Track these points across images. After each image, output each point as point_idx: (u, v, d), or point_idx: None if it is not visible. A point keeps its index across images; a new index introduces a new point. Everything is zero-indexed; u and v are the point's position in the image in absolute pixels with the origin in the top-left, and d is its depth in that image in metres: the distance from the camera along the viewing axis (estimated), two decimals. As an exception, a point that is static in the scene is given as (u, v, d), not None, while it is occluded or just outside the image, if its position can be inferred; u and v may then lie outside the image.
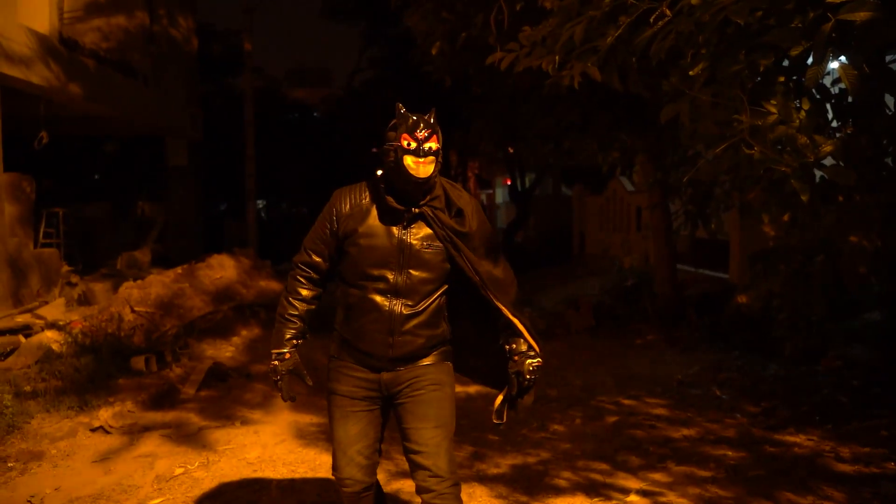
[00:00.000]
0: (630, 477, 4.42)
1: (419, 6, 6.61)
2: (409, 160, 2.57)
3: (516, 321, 2.75)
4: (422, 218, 2.68)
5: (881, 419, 5.30)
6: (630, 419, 5.72)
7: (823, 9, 2.75)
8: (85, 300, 10.44)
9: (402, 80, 20.15)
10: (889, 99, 3.63)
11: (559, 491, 4.21)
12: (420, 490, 2.69)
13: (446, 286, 2.78)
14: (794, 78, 3.28)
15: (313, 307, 2.87)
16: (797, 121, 2.98)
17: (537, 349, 2.76)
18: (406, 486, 4.17)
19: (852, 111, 3.64)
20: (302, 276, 2.84)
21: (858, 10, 2.63)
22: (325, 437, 5.12)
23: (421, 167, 2.58)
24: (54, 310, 8.62)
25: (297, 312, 2.82)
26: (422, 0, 6.71)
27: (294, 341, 2.82)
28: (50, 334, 7.38)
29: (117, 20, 14.42)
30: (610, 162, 11.00)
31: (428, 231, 2.69)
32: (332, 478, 2.86)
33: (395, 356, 2.72)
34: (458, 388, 2.89)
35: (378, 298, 2.68)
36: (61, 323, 7.80)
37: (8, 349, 7.13)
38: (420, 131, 2.58)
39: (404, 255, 2.67)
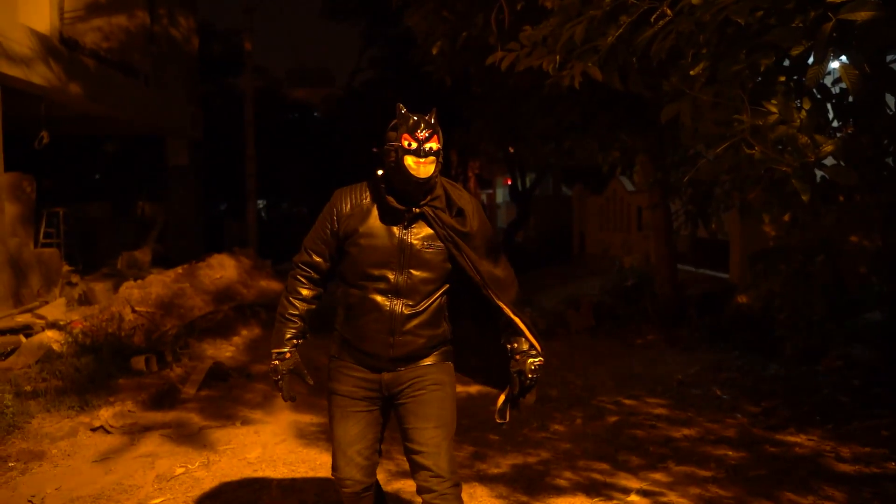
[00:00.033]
0: (631, 477, 4.42)
1: (419, 6, 6.61)
2: (409, 160, 2.58)
3: (517, 320, 2.75)
4: (422, 218, 2.68)
5: (882, 419, 5.30)
6: (630, 419, 5.72)
7: (824, 8, 2.74)
8: (85, 300, 10.44)
9: (402, 79, 20.18)
10: (890, 99, 3.63)
11: (560, 491, 4.21)
12: (421, 490, 2.68)
13: (447, 286, 2.78)
14: (795, 78, 3.28)
15: (314, 307, 2.86)
16: (798, 120, 2.97)
17: (538, 348, 2.76)
18: (406, 486, 4.17)
19: (853, 111, 3.64)
20: (302, 276, 2.83)
21: (859, 10, 2.63)
22: (326, 436, 5.12)
23: (421, 167, 2.58)
24: (55, 309, 8.62)
25: (297, 312, 2.82)
26: (422, 0, 6.71)
27: (294, 341, 2.81)
28: (50, 334, 7.38)
29: (118, 20, 14.43)
30: (610, 162, 11.00)
31: (429, 231, 2.69)
32: (333, 478, 2.86)
33: (396, 356, 2.72)
34: (459, 388, 2.89)
35: (379, 298, 2.68)
36: (62, 323, 7.80)
37: (8, 349, 7.13)
38: (421, 131, 2.58)
39: (405, 255, 2.67)
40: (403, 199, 2.65)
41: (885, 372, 6.19)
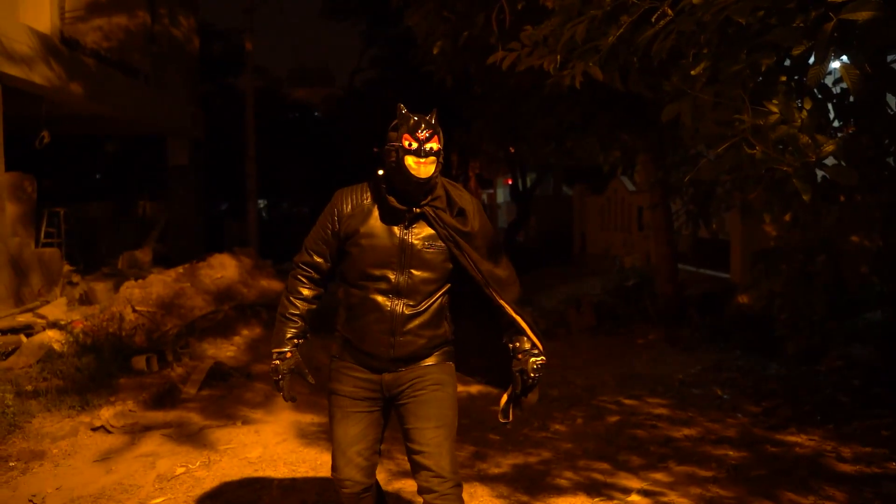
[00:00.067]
0: (631, 477, 4.42)
1: (420, 6, 6.61)
2: (410, 160, 2.58)
3: (519, 319, 2.75)
4: (423, 218, 2.69)
5: (882, 419, 5.30)
6: (631, 419, 5.72)
7: (825, 8, 2.74)
8: (86, 300, 10.44)
9: (402, 79, 20.16)
10: (891, 98, 3.63)
11: (560, 490, 4.21)
12: (422, 490, 2.68)
13: (448, 286, 2.78)
14: (796, 77, 3.28)
15: (314, 307, 2.86)
16: (799, 120, 2.97)
17: (540, 347, 2.76)
18: (407, 486, 4.17)
19: (854, 111, 3.64)
20: (303, 276, 2.83)
21: (860, 10, 2.63)
22: (327, 436, 5.12)
23: (422, 167, 2.59)
24: (56, 309, 8.62)
25: (298, 311, 2.82)
26: (422, 0, 6.70)
27: (295, 340, 2.81)
28: (51, 334, 7.38)
29: (118, 20, 14.44)
30: (611, 162, 11.00)
31: (429, 231, 2.69)
32: (332, 478, 2.86)
33: (397, 356, 2.72)
34: (460, 388, 2.89)
35: (380, 299, 2.68)
36: (63, 322, 7.81)
37: (9, 348, 7.14)
38: (421, 132, 2.59)
39: (406, 255, 2.67)
40: (404, 199, 2.65)
41: (885, 372, 6.19)
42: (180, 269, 9.00)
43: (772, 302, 7.27)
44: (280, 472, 4.63)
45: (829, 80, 3.44)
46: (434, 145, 2.61)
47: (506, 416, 2.84)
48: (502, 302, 2.74)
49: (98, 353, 6.91)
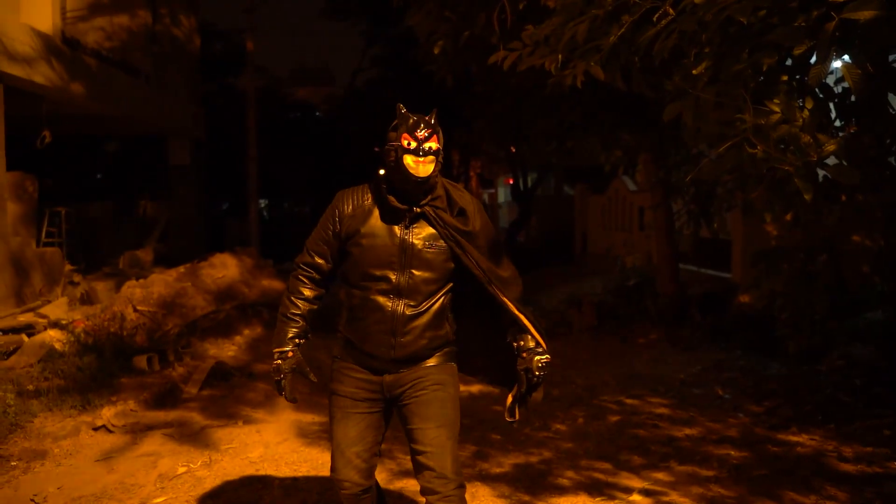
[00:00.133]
0: (633, 476, 4.42)
1: (421, 6, 6.60)
2: (408, 159, 2.59)
3: (522, 317, 2.75)
4: (424, 217, 2.69)
5: (884, 419, 5.30)
6: (633, 418, 5.72)
7: (827, 7, 2.74)
8: (87, 299, 10.45)
9: (404, 79, 20.17)
10: (892, 98, 3.62)
11: (562, 490, 4.21)
12: (424, 491, 2.68)
13: (450, 286, 2.77)
14: (798, 77, 3.28)
15: (315, 307, 2.87)
16: (800, 120, 2.97)
17: (544, 345, 2.76)
18: (409, 486, 4.17)
19: (855, 110, 3.64)
20: (304, 276, 2.84)
21: (862, 9, 2.62)
22: (328, 436, 5.10)
23: (421, 166, 2.59)
24: (57, 309, 8.63)
25: (299, 311, 2.82)
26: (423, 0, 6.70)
27: (297, 340, 2.81)
28: (53, 333, 7.39)
29: (120, 19, 14.45)
30: (612, 161, 11.00)
31: (430, 231, 2.69)
32: (331, 478, 2.86)
33: (398, 357, 2.72)
34: (461, 388, 2.88)
35: (381, 299, 2.68)
36: (64, 322, 7.81)
37: (11, 348, 7.14)
38: (420, 131, 2.60)
39: (406, 255, 2.67)
40: (404, 198, 2.66)
41: (886, 371, 6.19)
42: (181, 269, 9.00)
43: (773, 301, 7.27)
44: (281, 471, 4.63)
45: (830, 80, 3.44)
46: (433, 145, 2.61)
47: (512, 414, 2.83)
48: (505, 300, 2.74)
49: (99, 353, 6.92)
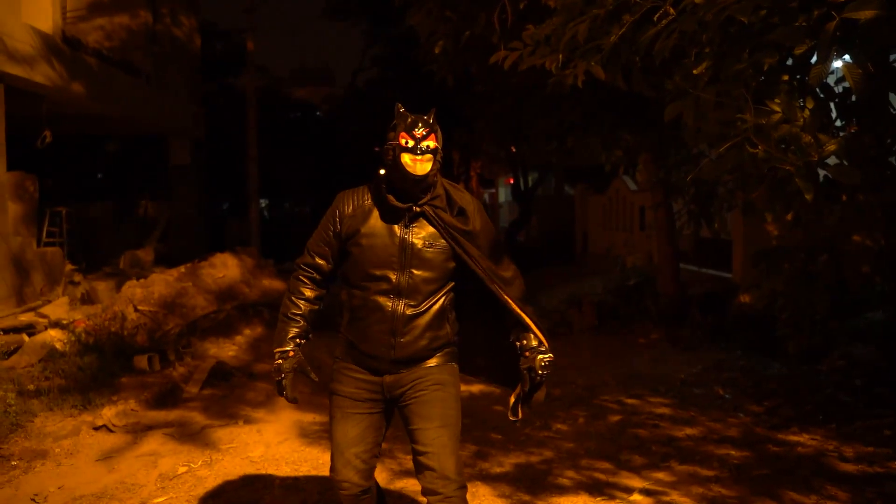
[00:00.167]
0: (633, 476, 4.42)
1: (421, 5, 6.59)
2: (406, 158, 2.60)
3: (524, 316, 2.75)
4: (423, 217, 2.69)
5: (884, 419, 5.30)
6: (633, 418, 5.72)
7: (828, 7, 2.74)
8: (88, 299, 10.44)
9: (404, 79, 20.17)
10: (893, 98, 3.62)
11: (562, 490, 4.21)
12: (426, 492, 2.68)
13: (451, 286, 2.77)
14: (798, 77, 3.28)
15: (316, 307, 2.87)
16: (801, 119, 2.97)
17: (546, 344, 2.76)
18: (409, 486, 4.17)
19: (856, 110, 3.64)
20: (305, 277, 2.85)
21: (863, 9, 2.62)
22: (328, 436, 5.10)
23: (418, 164, 2.60)
24: (58, 308, 8.63)
25: (300, 311, 2.82)
26: (423, -1, 6.70)
27: (297, 340, 2.81)
28: (53, 333, 7.39)
29: (120, 19, 14.46)
30: (613, 161, 10.99)
31: (430, 230, 2.70)
32: (330, 479, 2.86)
33: (398, 358, 2.72)
34: (462, 388, 2.88)
35: (381, 299, 2.69)
36: (65, 322, 7.81)
37: (12, 348, 7.14)
38: (418, 130, 2.61)
39: (406, 255, 2.67)
40: (404, 198, 2.66)
41: (887, 371, 6.19)
42: (182, 269, 9.00)
43: (773, 301, 7.27)
44: (282, 471, 4.64)
45: (831, 80, 3.44)
46: (431, 143, 2.62)
47: (515, 413, 2.83)
48: (507, 299, 2.75)
49: (100, 353, 6.92)
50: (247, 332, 8.52)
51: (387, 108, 2.74)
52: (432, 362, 2.76)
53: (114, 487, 4.39)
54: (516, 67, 4.38)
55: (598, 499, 4.07)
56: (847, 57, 2.93)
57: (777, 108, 2.98)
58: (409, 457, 2.81)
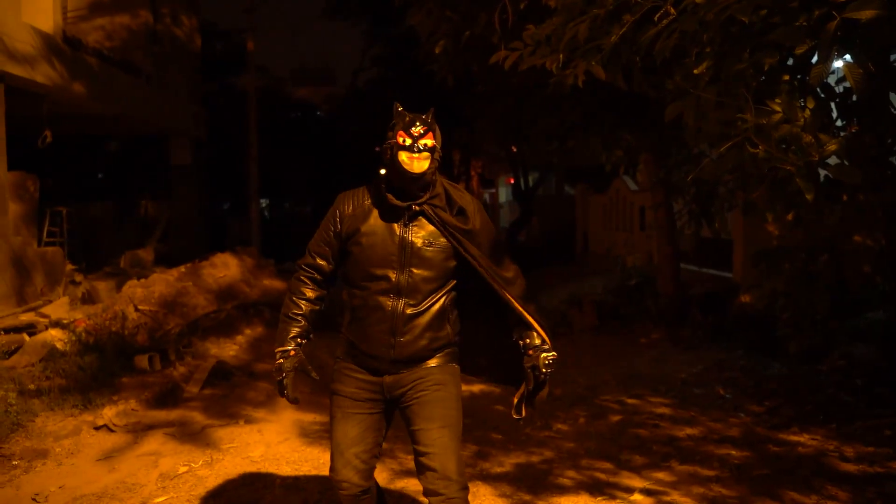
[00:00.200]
0: (634, 476, 4.42)
1: (422, 5, 6.59)
2: (403, 156, 2.61)
3: (525, 314, 2.75)
4: (423, 216, 2.70)
5: (885, 419, 5.30)
6: (634, 418, 5.72)
7: (828, 7, 2.74)
8: (89, 299, 10.45)
9: (405, 79, 20.17)
10: (894, 97, 3.62)
11: (563, 490, 4.21)
12: (427, 492, 2.67)
13: (452, 285, 2.78)
14: (799, 77, 3.28)
15: (317, 307, 2.87)
16: (802, 119, 2.97)
17: (549, 342, 2.76)
18: (410, 485, 4.17)
19: (857, 110, 3.64)
20: (305, 277, 2.85)
21: (863, 9, 2.62)
22: (329, 436, 5.12)
23: (416, 163, 2.61)
24: (58, 308, 8.63)
25: (301, 312, 2.83)
26: (424, -1, 6.69)
27: (299, 339, 2.81)
28: (54, 333, 7.39)
29: (121, 19, 14.45)
30: (613, 161, 11.00)
31: (430, 229, 2.70)
32: (330, 478, 2.86)
33: (397, 358, 2.72)
34: (462, 388, 2.88)
35: (381, 298, 2.69)
36: (65, 321, 7.81)
37: (12, 347, 7.14)
38: (416, 128, 2.62)
39: (406, 254, 2.68)
40: (403, 196, 2.67)
41: (888, 371, 6.18)
42: (182, 269, 9.01)
43: (774, 301, 7.26)
44: (282, 471, 4.64)
45: (831, 80, 3.44)
46: (428, 142, 2.63)
47: (518, 412, 2.83)
48: (509, 297, 2.75)
49: (101, 352, 6.91)
50: (247, 331, 8.52)
51: (387, 109, 2.75)
52: (433, 363, 2.76)
53: (114, 487, 4.39)
54: (517, 67, 4.39)
55: (599, 498, 4.07)
56: (848, 57, 2.93)
57: (778, 108, 2.98)
58: (410, 457, 2.81)
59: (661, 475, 4.42)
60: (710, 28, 3.17)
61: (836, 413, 5.54)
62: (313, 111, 29.11)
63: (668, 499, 4.04)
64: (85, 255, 13.29)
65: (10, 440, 5.21)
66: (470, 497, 2.72)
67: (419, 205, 2.68)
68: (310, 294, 2.85)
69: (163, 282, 8.44)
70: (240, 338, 8.36)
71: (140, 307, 7.86)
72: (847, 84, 3.14)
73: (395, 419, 2.92)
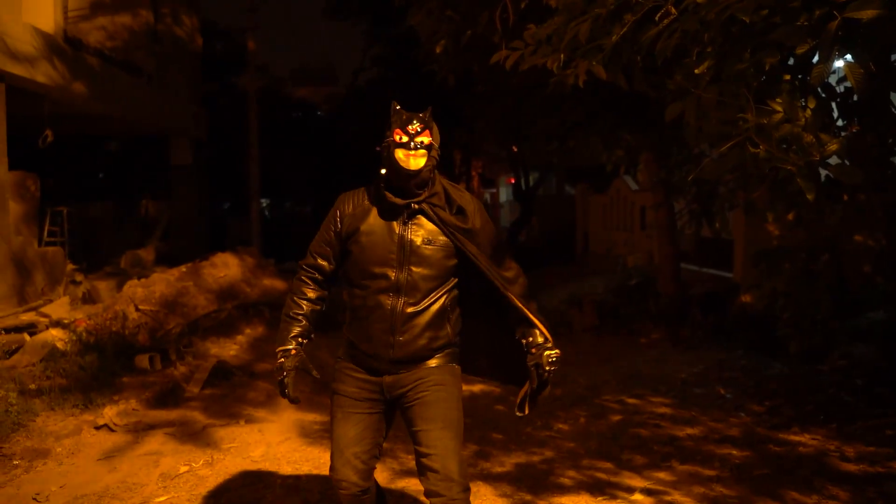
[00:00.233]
0: (634, 476, 4.42)
1: (422, 5, 6.59)
2: (399, 153, 2.63)
3: (527, 311, 2.75)
4: (422, 214, 2.71)
5: (886, 418, 5.29)
6: (634, 418, 5.72)
7: (829, 7, 2.74)
8: (89, 298, 10.46)
9: (405, 78, 20.16)
10: (895, 97, 3.62)
11: (564, 490, 4.21)
12: (429, 494, 2.66)
13: (452, 283, 2.78)
14: (800, 76, 3.28)
15: (319, 308, 2.88)
16: (803, 119, 2.97)
17: (552, 340, 2.76)
18: (411, 485, 4.17)
19: (858, 110, 3.64)
20: (307, 277, 2.87)
21: (865, 8, 2.62)
22: (330, 435, 5.12)
23: (412, 159, 2.63)
24: (59, 308, 8.64)
25: (302, 311, 2.84)
26: (424, -1, 6.69)
27: (300, 339, 2.82)
28: (55, 332, 7.39)
29: (122, 19, 14.44)
30: (614, 161, 11.01)
31: (429, 227, 2.71)
32: (330, 478, 2.86)
33: (396, 357, 2.72)
34: (463, 388, 2.88)
35: (380, 297, 2.70)
36: (66, 321, 7.82)
37: (13, 347, 7.15)
38: (412, 126, 2.65)
39: (405, 252, 2.68)
40: (401, 194, 2.69)
41: (888, 371, 6.18)
42: (183, 268, 9.01)
43: (775, 301, 7.26)
44: (283, 470, 4.64)
45: (832, 79, 3.44)
46: (425, 139, 2.65)
47: (521, 409, 2.83)
48: (510, 295, 2.75)
49: (101, 352, 6.92)
50: (248, 331, 8.53)
51: (387, 108, 2.76)
52: (433, 363, 2.76)
53: (115, 487, 4.39)
54: (517, 67, 4.38)
55: (600, 498, 4.07)
56: (849, 56, 2.93)
57: (779, 108, 2.98)
58: (411, 456, 2.81)
59: (661, 475, 4.42)
60: (712, 28, 3.17)
61: (836, 413, 5.54)
62: (314, 111, 29.09)
63: (668, 498, 4.04)
64: (85, 255, 13.30)
65: (10, 440, 5.21)
66: (471, 496, 2.72)
67: (418, 203, 2.69)
68: (311, 294, 2.85)
69: (163, 281, 8.44)
70: (240, 338, 8.36)
71: (141, 307, 7.87)
72: (848, 84, 3.14)
73: (395, 419, 2.92)
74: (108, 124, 14.77)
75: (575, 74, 3.94)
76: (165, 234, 16.12)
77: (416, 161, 2.63)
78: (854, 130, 3.73)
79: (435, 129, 2.69)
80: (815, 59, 2.88)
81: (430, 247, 2.69)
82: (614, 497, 4.08)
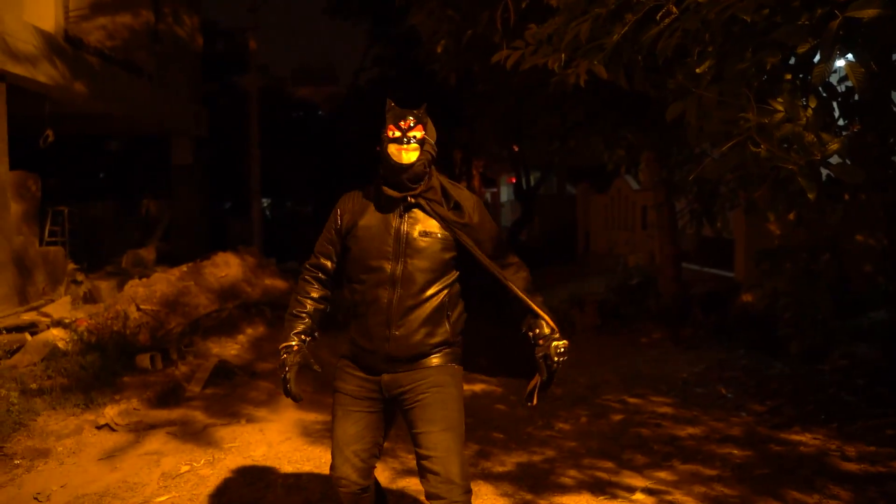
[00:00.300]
0: (635, 475, 4.42)
1: (423, 5, 6.59)
2: (392, 148, 2.67)
3: (533, 304, 2.75)
4: (419, 208, 2.73)
5: (887, 418, 5.29)
6: (635, 418, 5.72)
7: (831, 6, 2.74)
8: (90, 298, 10.46)
9: (406, 78, 20.15)
10: (896, 97, 3.62)
11: (565, 489, 4.21)
12: (430, 496, 2.65)
13: (452, 279, 2.77)
14: (801, 76, 3.28)
15: (322, 307, 2.89)
16: (804, 119, 2.97)
17: (558, 331, 2.75)
18: (411, 485, 4.17)
19: (859, 109, 3.64)
20: (310, 277, 2.90)
21: (866, 8, 2.62)
22: (330, 435, 5.12)
23: (403, 153, 2.66)
24: (60, 308, 8.64)
25: (305, 310, 2.85)
26: (425, -1, 6.69)
27: (303, 336, 2.83)
28: (56, 332, 7.40)
29: (122, 18, 14.44)
30: (615, 160, 11.00)
31: (426, 220, 2.73)
32: (330, 476, 2.86)
33: (393, 353, 2.71)
34: (464, 388, 2.88)
35: (378, 290, 2.71)
36: (67, 321, 7.82)
37: (14, 347, 7.15)
38: (405, 121, 2.67)
39: (401, 244, 2.70)
40: (397, 189, 2.71)
41: (889, 371, 6.18)
42: (184, 268, 9.02)
43: (776, 301, 7.26)
44: (284, 470, 4.64)
45: (834, 79, 3.44)
46: (417, 134, 2.67)
47: (530, 399, 2.80)
48: (512, 286, 2.76)
49: (102, 352, 6.92)
50: (249, 331, 8.53)
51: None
52: (433, 363, 2.75)
53: (116, 486, 4.39)
54: (518, 67, 4.39)
55: (601, 498, 4.07)
56: (850, 56, 2.93)
57: (780, 108, 2.98)
58: (412, 456, 2.81)
59: (662, 474, 4.42)
60: (712, 27, 3.17)
61: (837, 413, 5.53)
62: (314, 111, 29.07)
63: (669, 498, 4.04)
64: (86, 255, 13.29)
65: (12, 439, 5.21)
66: (472, 496, 2.71)
67: (414, 196, 2.71)
68: (314, 294, 2.88)
69: (164, 281, 8.45)
70: (241, 337, 8.37)
71: (142, 306, 7.87)
72: (849, 83, 3.14)
73: (396, 419, 2.92)
74: (108, 124, 14.78)
75: (576, 74, 3.94)
76: (166, 234, 16.12)
77: (408, 155, 2.65)
78: (855, 130, 3.73)
79: (430, 124, 2.72)
80: (817, 58, 2.88)
81: (426, 239, 2.70)
82: (615, 496, 4.07)
